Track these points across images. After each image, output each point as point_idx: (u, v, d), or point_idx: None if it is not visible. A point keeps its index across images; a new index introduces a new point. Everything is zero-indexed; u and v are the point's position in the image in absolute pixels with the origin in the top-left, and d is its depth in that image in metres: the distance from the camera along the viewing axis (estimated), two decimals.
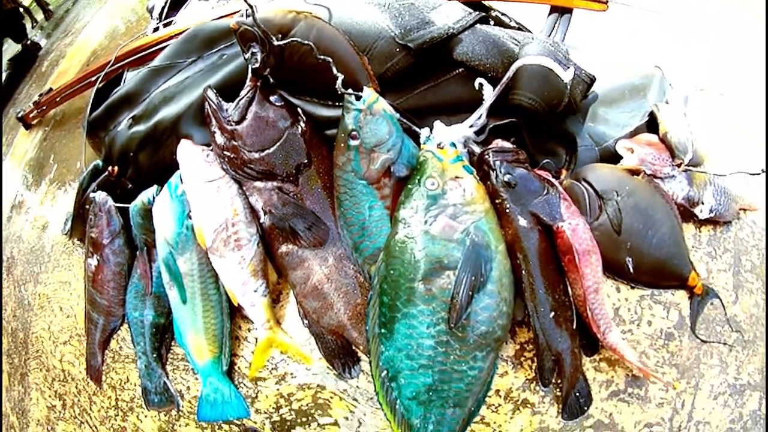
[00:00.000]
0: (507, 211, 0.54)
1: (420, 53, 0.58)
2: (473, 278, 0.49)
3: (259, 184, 0.58)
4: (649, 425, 0.64)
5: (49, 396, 0.82)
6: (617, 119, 0.76)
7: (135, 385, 0.69)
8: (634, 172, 0.69)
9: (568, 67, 0.60)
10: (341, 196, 0.56)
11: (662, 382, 0.63)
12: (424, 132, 0.56)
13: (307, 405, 0.59)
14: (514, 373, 0.60)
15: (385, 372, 0.51)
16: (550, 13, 0.75)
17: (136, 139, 0.69)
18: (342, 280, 0.56)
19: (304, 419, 0.60)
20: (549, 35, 0.75)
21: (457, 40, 0.61)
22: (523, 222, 0.54)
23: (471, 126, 0.60)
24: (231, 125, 0.58)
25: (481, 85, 0.61)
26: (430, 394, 0.51)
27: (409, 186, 0.53)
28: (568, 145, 0.67)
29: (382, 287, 0.51)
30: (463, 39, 0.61)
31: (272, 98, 0.60)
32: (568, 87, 0.59)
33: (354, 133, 0.54)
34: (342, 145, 0.55)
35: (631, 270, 0.64)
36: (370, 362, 0.53)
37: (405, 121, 0.57)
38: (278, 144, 0.57)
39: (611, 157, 0.70)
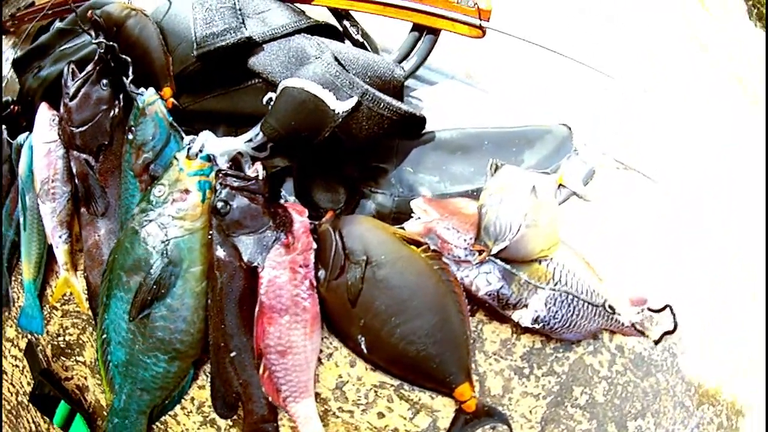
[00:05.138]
0: (209, 237, 0.72)
1: (209, 60, 0.80)
2: (155, 287, 0.73)
3: (76, 153, 0.90)
4: None
5: None
6: (458, 172, 0.82)
7: None
8: (414, 242, 0.71)
9: (351, 96, 0.75)
10: (121, 181, 0.86)
11: None
12: (186, 139, 0.81)
13: (73, 341, 0.95)
14: None
15: (105, 336, 0.80)
16: (411, 31, 0.87)
17: (32, 87, 1.07)
18: (104, 250, 0.88)
19: (69, 351, 0.95)
20: (406, 56, 0.88)
21: (258, 49, 0.80)
22: (220, 252, 0.70)
23: (249, 141, 0.82)
24: (66, 99, 0.90)
25: (271, 99, 0.78)
26: (125, 369, 0.78)
27: (150, 186, 0.79)
28: (348, 187, 0.81)
29: (110, 265, 0.79)
30: (266, 49, 0.79)
31: (103, 81, 0.90)
32: (338, 118, 0.73)
33: (132, 128, 0.82)
34: (125, 136, 0.84)
35: (365, 351, 0.70)
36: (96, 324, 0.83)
37: (176, 126, 0.83)
38: (90, 124, 0.88)
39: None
